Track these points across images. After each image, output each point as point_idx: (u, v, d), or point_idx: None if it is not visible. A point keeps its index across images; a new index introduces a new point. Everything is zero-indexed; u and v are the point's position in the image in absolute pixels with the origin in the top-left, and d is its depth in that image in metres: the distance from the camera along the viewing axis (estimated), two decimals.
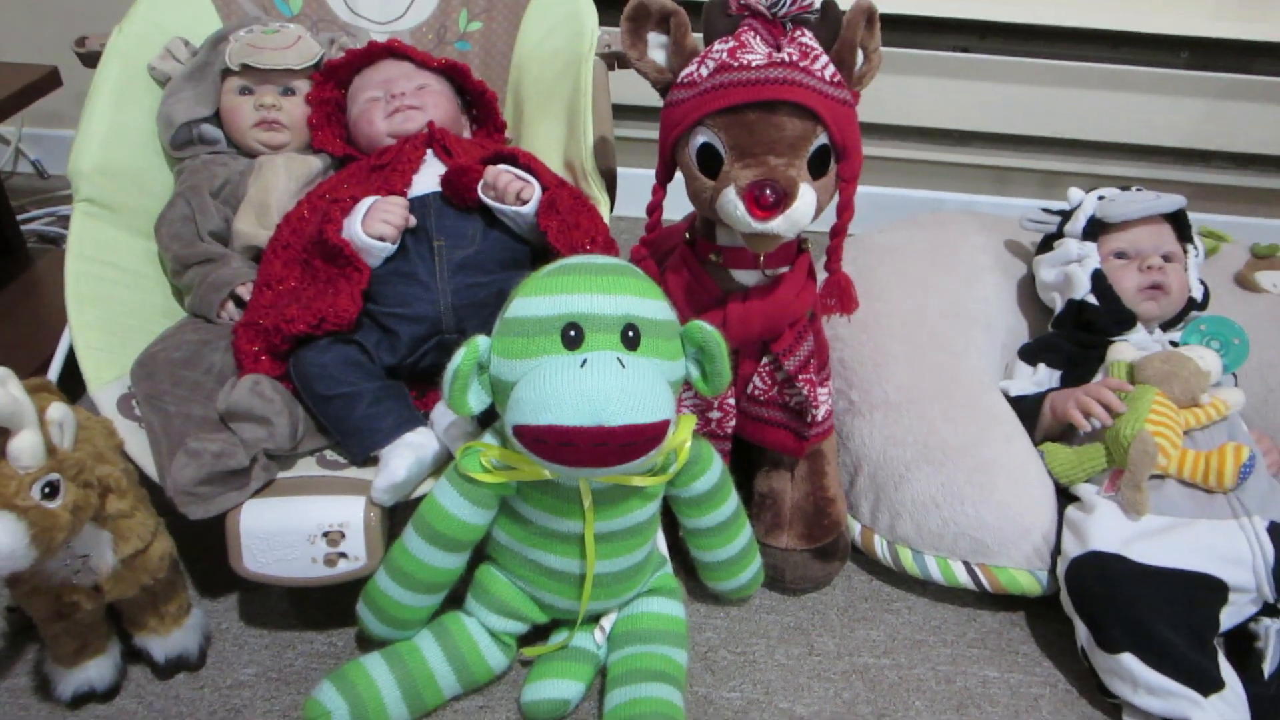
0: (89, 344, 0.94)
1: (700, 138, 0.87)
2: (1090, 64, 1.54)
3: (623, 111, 1.37)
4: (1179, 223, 1.19)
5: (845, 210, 0.91)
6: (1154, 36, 1.49)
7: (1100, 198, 1.19)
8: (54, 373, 1.09)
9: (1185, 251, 1.18)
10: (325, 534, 0.85)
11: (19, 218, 1.47)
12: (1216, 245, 1.30)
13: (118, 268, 1.00)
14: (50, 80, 1.25)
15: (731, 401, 0.98)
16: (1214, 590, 0.90)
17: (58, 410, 0.72)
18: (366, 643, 0.91)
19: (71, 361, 1.01)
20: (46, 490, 0.70)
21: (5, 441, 0.68)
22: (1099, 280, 1.13)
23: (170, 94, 1.09)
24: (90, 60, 1.10)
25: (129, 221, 1.03)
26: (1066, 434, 1.06)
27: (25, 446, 0.68)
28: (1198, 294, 1.17)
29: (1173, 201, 1.16)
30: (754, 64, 0.83)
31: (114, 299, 0.99)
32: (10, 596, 0.89)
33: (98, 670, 0.86)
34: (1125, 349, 1.09)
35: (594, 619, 0.91)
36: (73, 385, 0.95)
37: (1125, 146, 1.61)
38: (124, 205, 1.03)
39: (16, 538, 0.67)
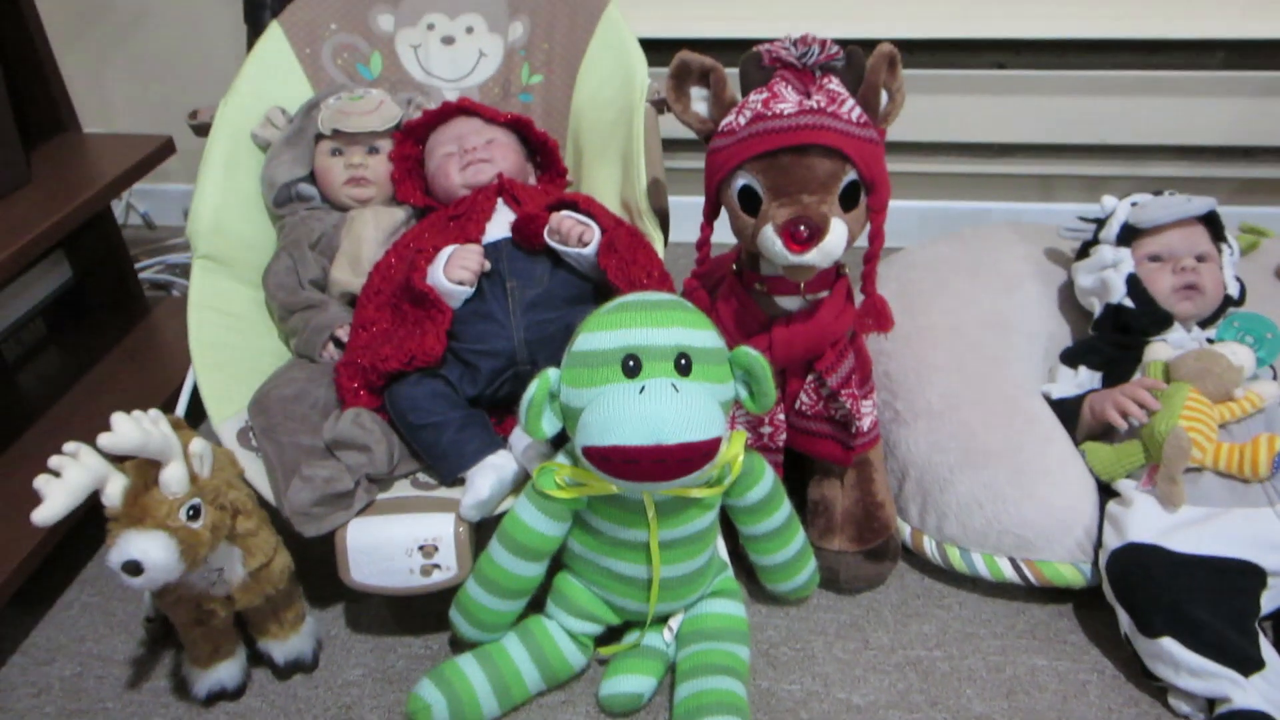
0: (211, 384, 1.03)
1: (741, 180, 0.93)
2: (1127, 71, 1.54)
3: (674, 145, 1.42)
4: (1212, 224, 1.20)
5: (876, 238, 0.97)
6: (1188, 41, 1.49)
7: (1133, 204, 1.20)
8: (180, 409, 1.20)
9: (1220, 251, 1.18)
10: (421, 547, 0.92)
11: None
12: (1256, 241, 1.30)
13: (232, 315, 1.10)
14: (166, 149, 1.34)
15: (781, 417, 1.03)
16: (1252, 575, 0.93)
17: (198, 444, 0.83)
18: (459, 645, 0.98)
19: (189, 397, 1.09)
20: (191, 513, 0.80)
21: (157, 472, 0.79)
22: (1134, 284, 1.15)
23: (271, 158, 1.19)
24: (202, 130, 1.20)
25: (240, 273, 1.13)
26: (1108, 433, 1.08)
27: (175, 476, 0.79)
28: (1234, 291, 1.17)
29: (1203, 204, 1.17)
30: (786, 112, 0.89)
31: (230, 343, 1.08)
32: (149, 608, 1.00)
33: (228, 671, 0.95)
34: (1161, 348, 1.11)
35: (662, 619, 0.97)
36: (191, 419, 1.04)
37: (1168, 148, 1.61)
38: (236, 259, 1.13)
39: (170, 553, 0.77)
